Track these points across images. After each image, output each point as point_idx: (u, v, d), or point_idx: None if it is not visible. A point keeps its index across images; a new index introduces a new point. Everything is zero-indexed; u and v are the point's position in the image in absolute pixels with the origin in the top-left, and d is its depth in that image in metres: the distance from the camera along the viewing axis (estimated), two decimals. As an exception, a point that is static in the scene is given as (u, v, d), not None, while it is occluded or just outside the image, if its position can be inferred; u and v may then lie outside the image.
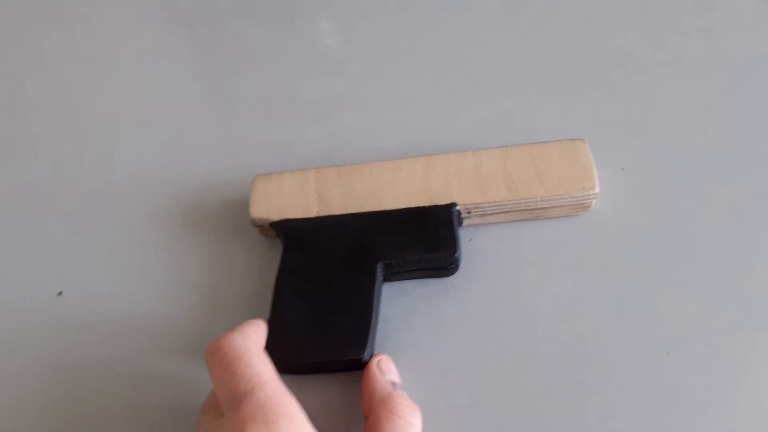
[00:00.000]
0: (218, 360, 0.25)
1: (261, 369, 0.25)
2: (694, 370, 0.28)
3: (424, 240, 0.30)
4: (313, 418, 0.25)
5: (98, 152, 0.39)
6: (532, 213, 0.32)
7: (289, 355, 0.28)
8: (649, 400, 0.28)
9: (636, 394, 0.28)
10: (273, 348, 0.28)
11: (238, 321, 0.30)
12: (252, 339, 0.26)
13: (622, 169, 0.34)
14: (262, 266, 0.33)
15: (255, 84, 0.41)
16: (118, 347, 0.31)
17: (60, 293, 0.33)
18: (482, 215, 0.32)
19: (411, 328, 0.30)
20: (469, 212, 0.31)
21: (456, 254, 0.30)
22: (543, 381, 0.28)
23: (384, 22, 0.42)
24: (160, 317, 0.32)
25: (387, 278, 0.31)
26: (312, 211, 0.32)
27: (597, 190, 0.30)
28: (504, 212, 0.32)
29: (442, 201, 0.31)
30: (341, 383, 0.29)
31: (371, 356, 0.28)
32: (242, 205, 0.34)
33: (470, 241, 0.32)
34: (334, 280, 0.30)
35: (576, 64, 0.39)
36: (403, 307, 0.31)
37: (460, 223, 0.32)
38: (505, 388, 0.28)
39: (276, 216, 0.32)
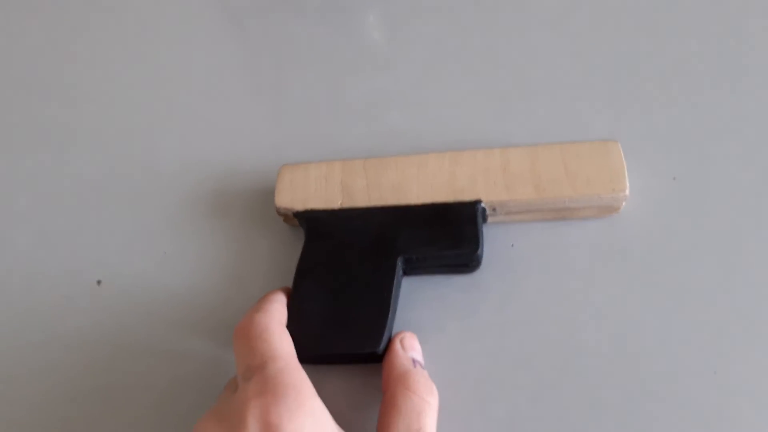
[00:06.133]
0: (240, 338, 0.26)
1: (276, 344, 0.25)
2: (741, 391, 0.27)
3: (447, 236, 0.30)
4: (329, 407, 0.25)
5: (140, 142, 0.40)
6: (559, 213, 0.31)
7: (306, 346, 0.28)
8: (695, 421, 0.27)
9: (681, 414, 0.27)
10: (291, 338, 0.29)
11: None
12: (273, 316, 0.27)
13: (674, 178, 0.32)
14: (285, 254, 0.33)
15: (300, 79, 0.40)
16: (151, 332, 0.32)
17: (99, 282, 0.34)
18: (507, 213, 0.31)
19: (428, 323, 0.30)
20: (494, 209, 0.31)
21: (478, 251, 0.29)
22: (573, 388, 0.28)
23: (433, 21, 0.41)
24: (190, 302, 0.33)
25: (407, 272, 0.31)
26: (336, 202, 0.32)
27: (627, 192, 0.30)
28: (530, 211, 0.31)
29: (467, 197, 0.30)
30: (360, 373, 0.29)
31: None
32: (271, 193, 0.35)
33: (512, 246, 0.32)
34: (354, 273, 0.30)
35: (633, 70, 0.37)
36: (421, 302, 0.31)
37: (485, 221, 0.31)
38: (515, 382, 0.28)
39: (300, 206, 0.32)
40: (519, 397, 0.28)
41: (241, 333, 0.26)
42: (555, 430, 0.27)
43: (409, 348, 0.28)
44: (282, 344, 0.26)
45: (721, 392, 0.27)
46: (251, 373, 0.24)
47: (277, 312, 0.28)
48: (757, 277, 0.29)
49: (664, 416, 0.27)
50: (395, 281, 0.29)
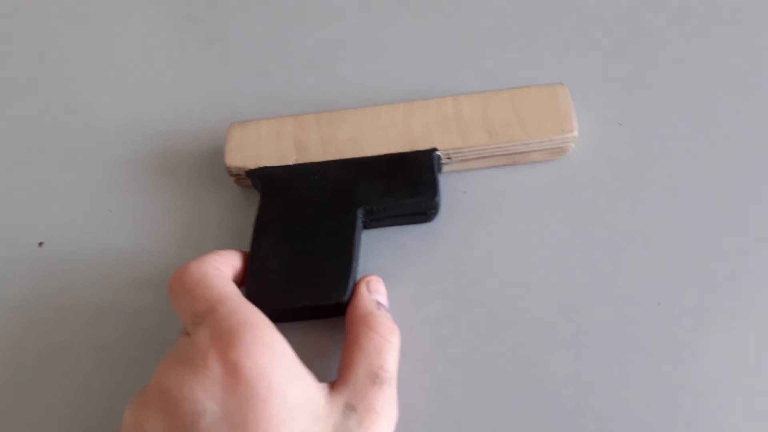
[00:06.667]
0: (178, 289, 0.25)
1: (220, 288, 0.25)
2: (684, 321, 0.28)
3: (405, 185, 0.30)
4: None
5: (80, 98, 0.37)
6: (511, 158, 0.32)
7: (271, 302, 0.28)
8: (641, 351, 0.28)
9: (628, 344, 0.28)
10: (254, 296, 0.28)
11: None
12: (210, 265, 0.26)
13: (620, 124, 0.34)
14: (236, 213, 0.33)
15: (247, 31, 0.39)
16: (98, 292, 0.31)
17: (41, 243, 0.33)
18: (462, 161, 0.32)
19: (387, 272, 0.30)
20: (449, 158, 0.31)
21: (436, 198, 0.30)
22: (526, 326, 0.29)
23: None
24: (138, 261, 0.32)
25: (367, 225, 0.31)
26: (290, 158, 0.31)
27: (576, 133, 0.31)
28: (483, 157, 0.31)
29: (423, 146, 0.31)
30: (322, 327, 0.29)
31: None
32: (220, 153, 0.34)
33: (465, 194, 0.32)
34: (314, 227, 0.29)
35: (578, 18, 0.38)
36: (380, 252, 0.31)
37: (440, 169, 0.32)
38: (472, 322, 0.29)
39: (252, 164, 0.31)
40: (475, 336, 0.29)
41: (176, 283, 0.25)
42: (509, 366, 0.28)
43: (374, 291, 0.28)
44: (225, 286, 0.25)
45: (664, 323, 0.29)
46: (201, 319, 0.24)
47: (212, 261, 0.27)
48: (696, 214, 0.31)
49: (612, 347, 0.28)
50: (356, 233, 0.29)
